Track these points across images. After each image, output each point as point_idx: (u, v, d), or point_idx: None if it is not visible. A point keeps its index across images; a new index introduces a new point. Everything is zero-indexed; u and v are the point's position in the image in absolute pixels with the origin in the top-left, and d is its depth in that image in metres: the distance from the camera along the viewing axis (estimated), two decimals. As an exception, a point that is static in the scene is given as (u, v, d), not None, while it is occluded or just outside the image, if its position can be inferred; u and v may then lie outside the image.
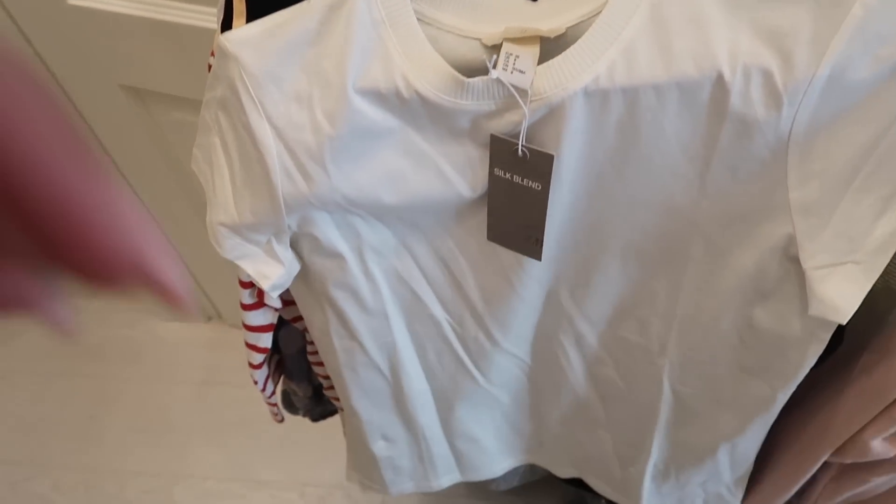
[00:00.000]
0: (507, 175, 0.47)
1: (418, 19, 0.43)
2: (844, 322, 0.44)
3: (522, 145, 0.44)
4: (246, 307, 0.61)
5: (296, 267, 0.55)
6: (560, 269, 0.54)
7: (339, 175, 0.48)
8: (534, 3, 0.43)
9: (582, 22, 0.42)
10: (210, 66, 0.51)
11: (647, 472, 0.68)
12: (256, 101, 0.46)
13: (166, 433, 1.44)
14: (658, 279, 0.52)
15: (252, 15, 0.46)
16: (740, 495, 0.68)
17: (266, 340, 0.65)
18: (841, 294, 0.44)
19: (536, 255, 0.51)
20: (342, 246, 0.53)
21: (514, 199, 0.48)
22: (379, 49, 0.43)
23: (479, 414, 0.70)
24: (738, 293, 0.49)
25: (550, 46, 0.42)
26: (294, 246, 0.54)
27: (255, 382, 0.71)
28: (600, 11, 0.41)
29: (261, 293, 0.60)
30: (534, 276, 0.54)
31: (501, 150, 0.45)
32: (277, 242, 0.52)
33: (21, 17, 0.90)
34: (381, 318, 0.58)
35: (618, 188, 0.46)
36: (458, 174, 0.48)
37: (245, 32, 0.45)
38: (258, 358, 0.67)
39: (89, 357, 1.55)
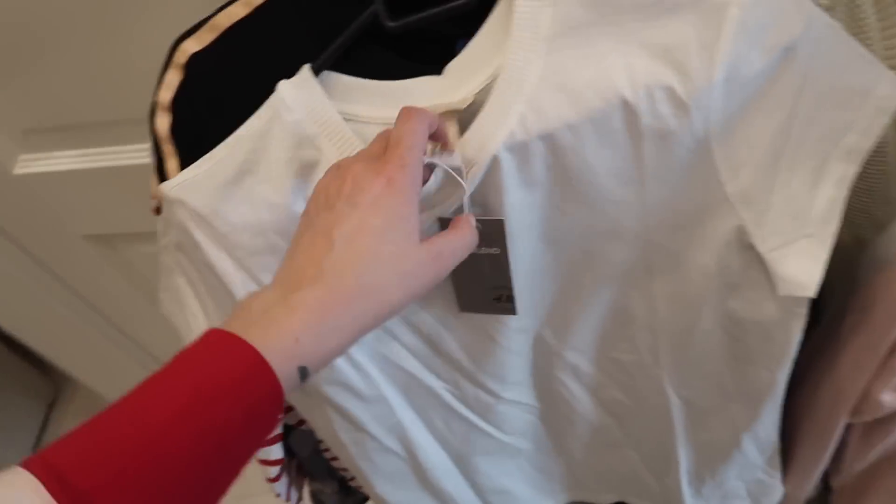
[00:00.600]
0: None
1: (345, 119, 0.45)
2: (813, 295, 0.45)
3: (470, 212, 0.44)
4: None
5: None
6: (538, 314, 0.55)
7: None
8: (439, 76, 0.45)
9: (487, 85, 0.44)
10: (156, 209, 0.52)
11: (683, 480, 0.67)
12: (210, 237, 0.47)
13: None
14: (631, 297, 0.53)
15: (182, 154, 0.48)
16: (777, 473, 0.67)
17: (277, 452, 0.64)
18: (801, 269, 0.45)
19: (511, 311, 0.52)
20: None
21: (477, 269, 0.49)
22: (321, 161, 0.45)
23: (504, 466, 0.70)
24: (708, 292, 0.50)
25: (465, 115, 0.44)
26: None
27: (278, 495, 0.71)
28: (499, 75, 0.43)
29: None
30: (514, 328, 0.54)
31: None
32: None
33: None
34: (381, 403, 0.58)
35: (567, 227, 0.48)
36: None
37: (184, 177, 0.46)
38: (274, 471, 0.67)
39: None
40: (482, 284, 0.50)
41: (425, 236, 0.39)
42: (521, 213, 0.46)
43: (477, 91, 0.44)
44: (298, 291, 0.34)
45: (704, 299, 0.51)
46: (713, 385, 0.57)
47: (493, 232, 0.46)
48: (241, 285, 0.48)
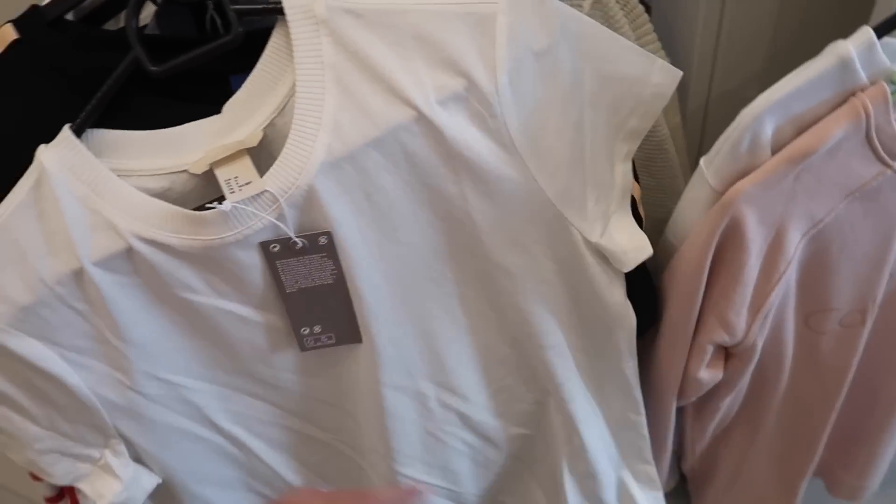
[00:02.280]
0: (296, 278, 0.46)
1: (119, 176, 0.42)
2: (651, 252, 0.48)
3: (296, 236, 0.43)
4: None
5: (149, 482, 0.52)
6: (408, 363, 0.52)
7: (131, 349, 0.46)
8: (217, 116, 0.43)
9: (275, 118, 0.43)
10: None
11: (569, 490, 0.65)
12: (20, 333, 0.43)
13: None
14: (491, 320, 0.52)
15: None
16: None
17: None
18: (629, 238, 0.48)
19: (357, 338, 0.50)
20: (192, 426, 0.52)
21: (315, 298, 0.47)
22: (98, 220, 0.42)
23: None
24: (556, 296, 0.51)
25: (260, 150, 0.42)
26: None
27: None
28: (286, 104, 0.42)
29: (75, 501, 0.54)
30: (388, 385, 0.51)
31: (277, 255, 0.44)
32: (114, 456, 0.50)
33: None
34: (262, 466, 0.56)
35: (403, 253, 0.47)
36: (250, 308, 0.47)
37: None
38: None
39: None
40: (323, 314, 0.48)
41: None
42: (350, 231, 0.45)
43: (265, 125, 0.43)
44: None
45: (560, 306, 0.51)
46: (586, 402, 0.57)
47: (323, 248, 0.45)
48: (67, 368, 0.46)
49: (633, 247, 0.48)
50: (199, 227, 0.42)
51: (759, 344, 0.56)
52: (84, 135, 0.42)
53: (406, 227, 0.46)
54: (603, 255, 0.49)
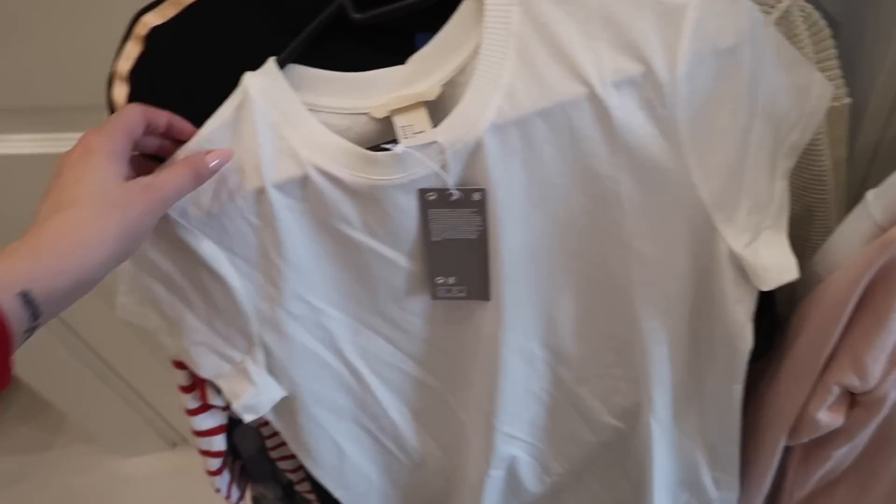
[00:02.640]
0: (444, 228, 0.48)
1: (309, 110, 0.46)
2: (797, 275, 0.47)
3: (452, 188, 0.46)
4: (191, 412, 0.61)
5: (276, 393, 0.56)
6: (527, 325, 0.54)
7: (288, 268, 0.50)
8: (403, 66, 0.46)
9: (454, 77, 0.45)
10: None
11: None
12: (202, 235, 0.48)
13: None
14: (615, 308, 0.53)
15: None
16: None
17: (219, 443, 0.63)
18: (776, 257, 0.47)
19: (486, 296, 0.52)
20: (322, 350, 0.55)
21: (456, 250, 0.49)
22: (284, 147, 0.46)
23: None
24: (682, 299, 0.51)
25: (436, 103, 0.45)
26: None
27: (218, 490, 0.69)
28: (468, 65, 0.45)
29: (204, 395, 0.59)
30: (507, 344, 0.53)
31: (432, 203, 0.47)
32: (252, 363, 0.54)
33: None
34: (374, 404, 0.60)
35: (547, 223, 0.48)
36: (396, 251, 0.50)
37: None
38: (215, 464, 0.65)
39: (57, 511, 1.48)
40: (460, 267, 0.51)
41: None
42: (503, 193, 0.47)
43: (445, 81, 0.45)
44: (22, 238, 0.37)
45: (679, 308, 0.51)
46: (683, 401, 0.57)
47: (475, 204, 0.47)
48: (230, 266, 0.50)
49: (778, 267, 0.47)
50: (371, 166, 0.45)
51: (892, 397, 0.53)
52: (285, 68, 0.46)
53: (554, 200, 0.47)
54: (741, 269, 0.48)
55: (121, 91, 0.47)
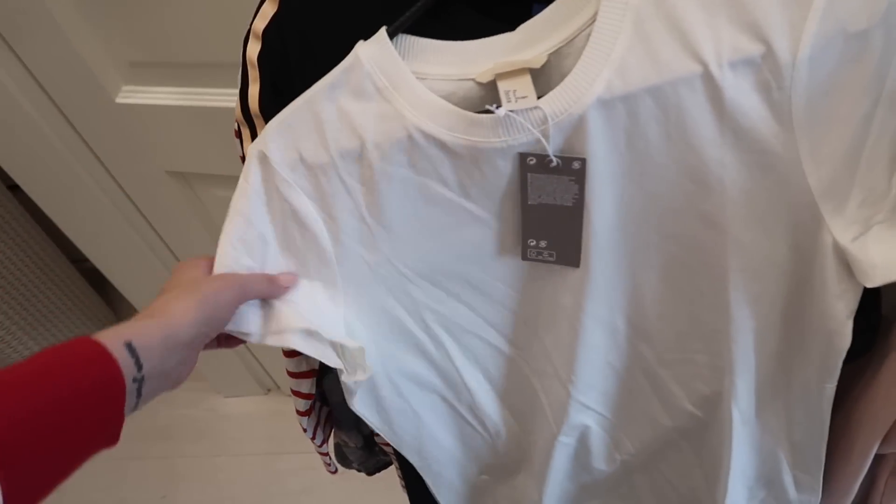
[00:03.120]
0: (540, 193, 0.49)
1: (417, 77, 0.48)
2: None
3: (553, 154, 0.46)
4: (287, 354, 0.65)
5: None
6: (612, 298, 0.54)
7: (380, 231, 0.52)
8: (513, 32, 0.47)
9: (561, 48, 0.45)
10: (236, 132, 0.56)
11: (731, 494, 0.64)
12: (300, 190, 0.51)
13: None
14: (705, 293, 0.52)
15: (263, 81, 0.52)
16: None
17: (308, 386, 0.67)
18: (885, 252, 0.44)
19: (576, 262, 0.52)
20: (405, 317, 0.58)
21: (550, 215, 0.50)
22: (388, 110, 0.48)
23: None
24: (779, 289, 0.49)
25: (540, 72, 0.46)
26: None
27: (305, 430, 0.73)
28: (576, 35, 0.45)
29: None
30: (590, 313, 0.54)
31: (531, 168, 0.48)
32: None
33: (74, 117, 0.99)
34: (452, 371, 0.61)
35: (643, 200, 0.48)
36: (488, 212, 0.51)
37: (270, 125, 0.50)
38: (303, 404, 0.69)
39: (159, 438, 1.61)
40: (552, 231, 0.51)
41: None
42: (604, 165, 0.47)
43: (552, 50, 0.45)
44: None
45: (773, 297, 0.50)
46: (769, 402, 0.56)
47: (574, 172, 0.47)
48: (324, 228, 0.53)
49: (887, 264, 0.44)
50: (473, 127, 0.46)
51: None
52: (396, 38, 0.48)
53: (654, 178, 0.47)
54: (845, 263, 0.46)
55: (253, 48, 0.50)
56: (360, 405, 0.60)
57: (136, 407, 0.44)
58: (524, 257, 0.53)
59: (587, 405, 0.60)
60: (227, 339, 0.55)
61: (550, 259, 0.53)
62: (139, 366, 0.43)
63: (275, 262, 0.54)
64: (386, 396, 0.61)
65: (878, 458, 0.58)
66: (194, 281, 0.50)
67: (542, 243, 0.52)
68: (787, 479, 0.60)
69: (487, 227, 0.52)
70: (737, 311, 0.51)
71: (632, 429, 0.63)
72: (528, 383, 0.62)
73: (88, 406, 0.40)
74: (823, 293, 0.47)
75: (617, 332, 0.56)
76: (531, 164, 0.47)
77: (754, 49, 0.41)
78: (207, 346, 0.52)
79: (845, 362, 0.50)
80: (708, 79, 0.42)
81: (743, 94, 0.42)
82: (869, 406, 0.55)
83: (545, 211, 0.50)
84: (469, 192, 0.50)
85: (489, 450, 0.69)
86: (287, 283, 0.53)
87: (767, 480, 0.62)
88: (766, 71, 0.41)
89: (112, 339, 0.42)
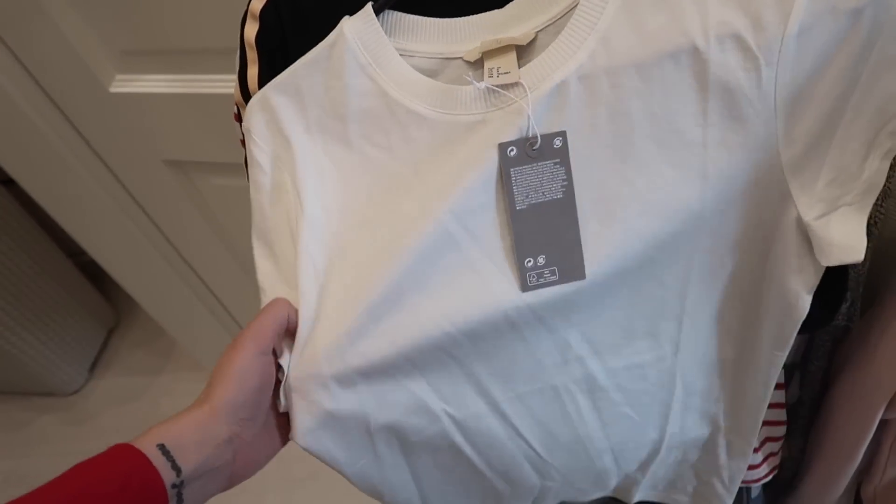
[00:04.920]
0: (527, 190, 0.47)
1: (401, 55, 0.48)
2: (861, 258, 0.44)
3: (534, 130, 0.45)
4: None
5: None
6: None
7: (355, 215, 0.51)
8: (499, 11, 0.47)
9: (549, 25, 0.46)
10: (236, 115, 0.56)
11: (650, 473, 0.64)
12: (269, 154, 0.51)
13: (239, 494, 1.47)
14: (665, 282, 0.50)
15: (261, 61, 0.51)
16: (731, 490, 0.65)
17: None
18: (847, 235, 0.44)
19: (580, 273, 0.48)
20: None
21: (540, 218, 0.47)
22: (370, 87, 0.48)
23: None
24: (743, 270, 0.49)
25: (527, 50, 0.46)
26: None
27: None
28: (566, 13, 0.45)
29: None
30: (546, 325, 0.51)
31: (513, 161, 0.46)
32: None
33: (68, 109, 0.98)
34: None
35: (619, 187, 0.46)
36: (456, 217, 0.48)
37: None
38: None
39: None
40: (547, 241, 0.48)
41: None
42: (584, 143, 0.45)
43: (540, 29, 0.46)
44: None
45: (734, 275, 0.50)
46: (716, 372, 0.56)
47: (557, 153, 0.46)
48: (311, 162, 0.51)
49: (845, 245, 0.44)
50: (453, 102, 0.47)
51: None
52: (382, 14, 0.48)
53: (636, 160, 0.46)
54: (807, 239, 0.46)
55: (251, 29, 0.51)
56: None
57: None
58: (524, 288, 0.48)
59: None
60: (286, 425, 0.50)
61: (553, 279, 0.48)
62: (176, 469, 0.40)
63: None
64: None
65: (883, 424, 0.59)
66: (218, 363, 0.47)
67: (541, 259, 0.48)
68: (721, 443, 0.60)
69: (454, 235, 0.48)
70: (694, 292, 0.50)
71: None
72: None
73: None
74: (784, 267, 0.48)
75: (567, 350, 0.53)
76: (512, 157, 0.46)
77: (742, 24, 0.41)
78: (260, 444, 0.49)
79: (844, 329, 0.50)
80: (694, 54, 0.42)
81: (728, 71, 0.42)
82: (872, 372, 0.56)
83: (536, 213, 0.47)
84: (444, 192, 0.48)
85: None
86: (283, 307, 0.49)
87: (702, 444, 0.61)
88: (753, 46, 0.41)
89: (147, 441, 0.40)
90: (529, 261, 0.48)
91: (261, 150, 0.50)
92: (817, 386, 0.67)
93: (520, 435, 0.56)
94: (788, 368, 0.66)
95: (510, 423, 0.56)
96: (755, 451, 0.64)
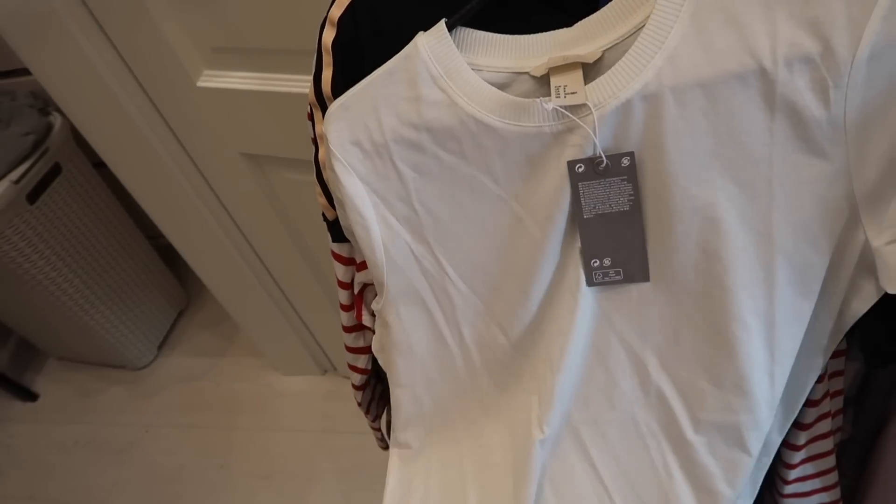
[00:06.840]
0: (594, 202, 0.49)
1: (472, 69, 0.50)
2: None
3: (601, 152, 0.46)
4: (346, 329, 0.68)
5: None
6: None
7: (429, 219, 0.54)
8: (569, 29, 0.48)
9: (617, 44, 0.46)
10: (309, 115, 0.59)
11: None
12: (353, 174, 0.53)
13: (288, 480, 1.52)
14: (715, 308, 0.50)
15: (336, 66, 0.54)
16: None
17: (364, 361, 0.70)
18: None
19: (643, 275, 0.51)
20: (441, 319, 0.59)
21: (607, 225, 0.49)
22: (442, 98, 0.50)
23: None
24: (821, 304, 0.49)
25: (594, 68, 0.47)
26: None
27: (360, 404, 0.77)
28: (634, 32, 0.45)
29: (359, 316, 0.66)
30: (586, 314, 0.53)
31: (581, 176, 0.48)
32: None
33: (158, 99, 1.05)
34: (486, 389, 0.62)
35: (682, 203, 0.47)
36: (530, 216, 0.52)
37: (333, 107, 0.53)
38: (359, 379, 0.72)
39: (218, 410, 1.68)
40: (612, 246, 0.50)
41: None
42: (651, 160, 0.46)
43: (607, 47, 0.46)
44: None
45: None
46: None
47: (625, 171, 0.47)
48: (373, 214, 0.55)
49: None
50: (522, 114, 0.48)
51: None
52: (455, 30, 0.50)
53: (698, 177, 0.46)
54: (871, 264, 0.45)
55: (329, 34, 0.53)
56: None
57: None
58: (590, 283, 0.52)
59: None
60: None
61: (617, 279, 0.52)
62: None
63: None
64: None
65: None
66: None
67: (606, 261, 0.51)
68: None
69: (533, 235, 0.52)
70: (781, 331, 0.50)
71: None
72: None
73: None
74: (848, 292, 0.47)
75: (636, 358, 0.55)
76: (580, 172, 0.48)
77: (812, 46, 0.41)
78: None
79: (878, 368, 0.50)
80: (762, 75, 0.42)
81: (797, 92, 0.42)
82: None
83: (602, 222, 0.49)
84: (517, 193, 0.51)
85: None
86: None
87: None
88: (823, 69, 0.41)
89: None
90: (595, 261, 0.51)
91: (336, 158, 0.53)
92: (872, 425, 0.66)
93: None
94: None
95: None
96: (807, 495, 0.62)
